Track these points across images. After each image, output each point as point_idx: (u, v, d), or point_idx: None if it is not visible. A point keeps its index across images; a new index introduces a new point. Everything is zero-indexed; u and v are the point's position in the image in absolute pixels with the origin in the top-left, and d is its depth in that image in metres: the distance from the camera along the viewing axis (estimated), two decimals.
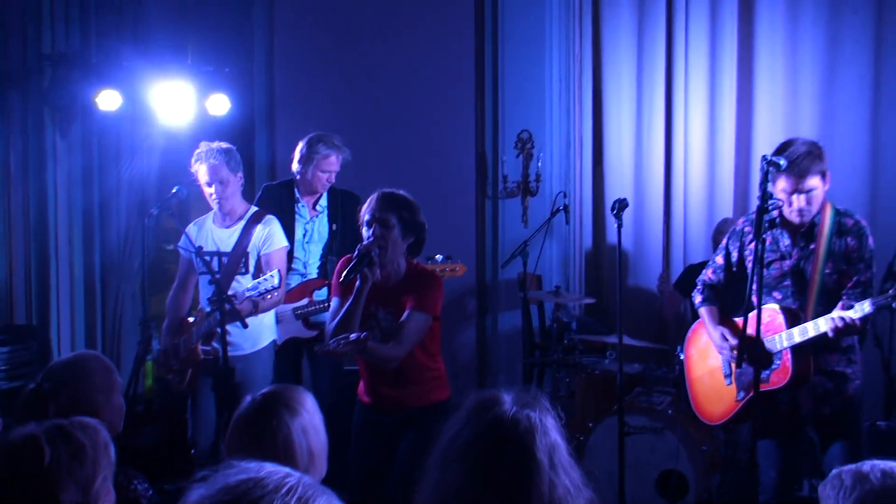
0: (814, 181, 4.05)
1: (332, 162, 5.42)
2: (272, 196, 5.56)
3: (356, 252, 3.97)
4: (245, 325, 4.66)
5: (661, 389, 5.62)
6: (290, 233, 5.27)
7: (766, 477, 4.32)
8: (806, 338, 4.02)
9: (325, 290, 5.35)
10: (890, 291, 3.79)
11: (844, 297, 4.09)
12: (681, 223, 6.62)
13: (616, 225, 4.50)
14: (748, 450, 4.09)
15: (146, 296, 5.32)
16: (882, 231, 5.86)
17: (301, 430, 2.62)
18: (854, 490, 1.91)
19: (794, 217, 4.15)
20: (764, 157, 3.91)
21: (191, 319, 5.05)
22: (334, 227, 5.50)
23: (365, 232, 4.02)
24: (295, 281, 5.41)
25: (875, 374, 5.36)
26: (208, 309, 4.82)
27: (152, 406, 7.15)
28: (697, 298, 4.56)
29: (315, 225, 5.51)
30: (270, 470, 1.56)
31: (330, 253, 5.46)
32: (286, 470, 1.58)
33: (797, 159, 3.97)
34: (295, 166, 5.47)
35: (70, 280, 7.22)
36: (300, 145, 5.45)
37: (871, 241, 4.17)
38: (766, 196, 3.87)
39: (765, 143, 6.26)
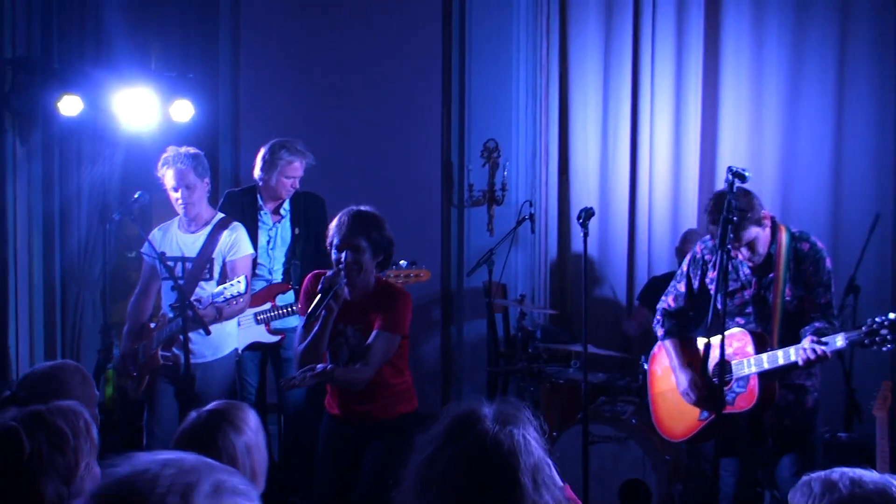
0: (751, 232, 4.09)
1: (296, 168, 5.38)
2: (234, 203, 5.50)
3: (320, 286, 3.95)
4: (207, 332, 4.62)
5: (624, 399, 5.63)
6: (253, 240, 5.22)
7: (725, 485, 4.37)
8: (776, 366, 4.04)
9: (289, 294, 5.31)
10: (863, 328, 3.84)
11: (812, 319, 4.12)
12: (645, 233, 6.64)
13: (582, 234, 4.51)
14: (711, 461, 4.11)
15: (107, 303, 5.25)
16: (844, 245, 5.93)
17: (245, 448, 2.60)
18: (823, 498, 1.91)
19: (746, 262, 4.19)
20: (729, 169, 3.92)
21: (152, 325, 4.99)
22: (297, 230, 5.46)
23: (334, 255, 3.98)
24: (259, 287, 5.36)
25: (836, 386, 5.41)
26: (171, 315, 4.76)
27: (112, 415, 7.05)
28: (659, 331, 4.56)
29: (278, 230, 5.47)
30: (150, 460, 1.50)
31: (293, 257, 5.42)
32: (167, 456, 1.53)
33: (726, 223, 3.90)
34: (257, 173, 5.42)
35: (29, 287, 7.10)
36: (262, 151, 5.40)
37: (828, 262, 4.21)
38: (730, 207, 3.88)
39: (729, 155, 6.31)
